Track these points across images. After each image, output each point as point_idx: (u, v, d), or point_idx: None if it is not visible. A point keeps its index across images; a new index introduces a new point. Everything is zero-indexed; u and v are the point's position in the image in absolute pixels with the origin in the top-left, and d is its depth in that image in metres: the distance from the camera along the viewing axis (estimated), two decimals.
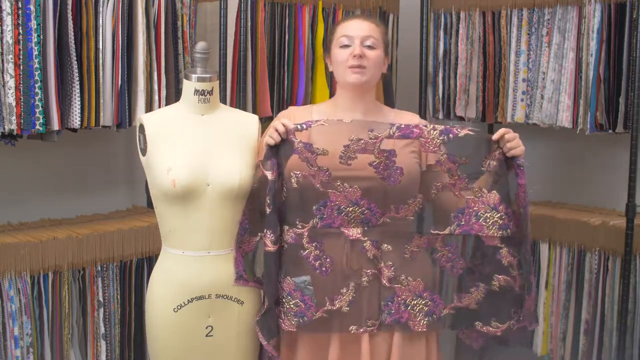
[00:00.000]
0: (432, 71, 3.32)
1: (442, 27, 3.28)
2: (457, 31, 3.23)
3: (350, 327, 2.02)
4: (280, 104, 2.97)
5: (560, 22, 2.93)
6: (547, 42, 2.97)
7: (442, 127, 1.98)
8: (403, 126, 1.99)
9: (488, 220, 1.99)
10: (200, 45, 2.08)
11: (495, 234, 1.99)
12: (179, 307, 2.05)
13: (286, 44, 2.96)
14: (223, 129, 2.10)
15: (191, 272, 2.05)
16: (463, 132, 1.97)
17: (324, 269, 2.01)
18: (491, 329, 2.03)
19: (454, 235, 2.03)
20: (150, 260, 2.57)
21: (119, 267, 2.52)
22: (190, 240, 2.04)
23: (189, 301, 2.05)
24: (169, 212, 2.05)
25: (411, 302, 2.03)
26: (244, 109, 2.75)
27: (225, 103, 2.63)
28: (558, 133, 3.12)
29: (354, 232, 2.00)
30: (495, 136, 1.97)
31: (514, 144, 1.97)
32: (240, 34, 2.77)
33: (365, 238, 2.01)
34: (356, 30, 2.08)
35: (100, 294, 2.49)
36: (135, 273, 2.56)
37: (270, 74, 2.93)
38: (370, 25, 2.11)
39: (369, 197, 1.99)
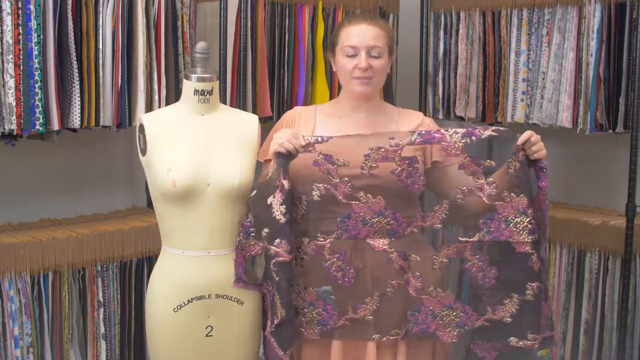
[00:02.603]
0: (432, 71, 3.32)
1: (442, 27, 3.28)
2: (457, 31, 3.23)
3: (374, 336, 2.00)
4: (280, 104, 2.97)
5: (560, 22, 2.93)
6: (547, 42, 2.97)
7: (464, 130, 1.95)
8: (424, 132, 1.96)
9: (518, 225, 1.94)
10: (200, 45, 2.08)
11: (526, 239, 1.93)
12: (179, 307, 2.05)
13: (286, 44, 2.96)
14: (223, 129, 2.10)
15: (191, 272, 2.05)
16: (486, 133, 1.94)
17: (346, 279, 1.99)
18: (528, 342, 1.96)
19: (484, 242, 1.98)
20: (150, 260, 2.57)
21: (119, 267, 2.52)
22: (190, 240, 2.04)
23: (189, 301, 2.05)
24: (169, 212, 2.05)
25: (440, 313, 1.99)
26: (244, 109, 2.75)
27: (225, 103, 2.63)
28: (558, 133, 3.12)
29: (380, 244, 1.98)
30: (520, 140, 1.93)
31: (538, 147, 1.94)
32: (240, 34, 2.77)
33: (392, 249, 1.98)
34: (361, 39, 2.05)
35: (100, 294, 2.49)
36: (135, 273, 2.56)
37: (270, 74, 2.93)
38: (375, 31, 2.08)
39: (393, 207, 1.97)
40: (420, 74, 3.33)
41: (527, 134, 1.94)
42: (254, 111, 2.82)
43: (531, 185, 1.95)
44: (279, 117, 2.94)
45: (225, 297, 2.07)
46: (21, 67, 2.25)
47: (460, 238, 1.99)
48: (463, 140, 1.93)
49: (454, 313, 1.99)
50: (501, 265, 1.98)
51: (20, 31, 2.24)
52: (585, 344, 2.88)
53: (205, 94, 2.07)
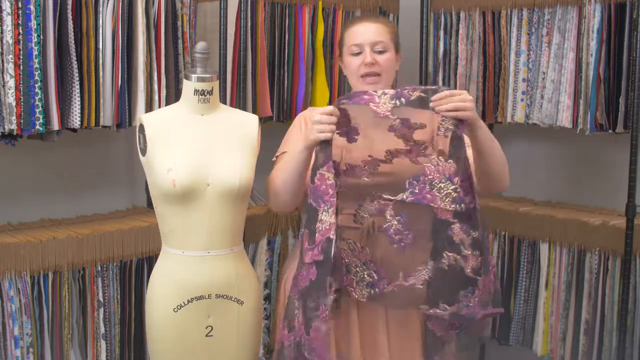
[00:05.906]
0: (432, 71, 3.32)
1: (442, 27, 3.28)
2: (457, 31, 3.23)
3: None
4: (280, 104, 2.97)
5: (560, 22, 2.93)
6: (547, 42, 2.97)
7: (393, 91, 1.87)
8: (353, 94, 1.90)
9: (442, 190, 1.85)
10: (200, 45, 2.08)
11: (448, 207, 1.84)
12: (179, 307, 2.05)
13: (286, 44, 2.96)
14: (223, 129, 2.10)
15: (191, 272, 2.05)
16: (415, 94, 1.85)
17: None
18: (439, 311, 1.87)
19: (406, 204, 1.90)
20: (150, 260, 2.57)
21: (119, 267, 2.52)
22: (190, 240, 2.04)
23: (188, 301, 2.05)
24: (169, 212, 2.05)
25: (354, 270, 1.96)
26: (244, 109, 2.75)
27: (225, 103, 2.63)
28: (558, 133, 3.12)
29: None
30: (435, 96, 1.81)
31: (458, 104, 1.81)
32: (240, 34, 2.77)
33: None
34: (364, 36, 2.09)
35: (100, 294, 2.49)
36: (135, 273, 2.56)
37: (270, 74, 2.93)
38: (378, 27, 2.11)
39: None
40: (420, 74, 3.33)
41: (447, 92, 1.82)
42: (254, 111, 2.82)
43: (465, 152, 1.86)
44: (279, 117, 2.95)
45: (225, 297, 2.07)
46: (21, 67, 2.25)
47: (383, 195, 1.93)
48: (392, 102, 1.85)
49: (366, 272, 1.95)
50: (420, 232, 1.92)
51: (20, 31, 2.24)
52: (585, 344, 2.88)
53: (205, 94, 2.07)
